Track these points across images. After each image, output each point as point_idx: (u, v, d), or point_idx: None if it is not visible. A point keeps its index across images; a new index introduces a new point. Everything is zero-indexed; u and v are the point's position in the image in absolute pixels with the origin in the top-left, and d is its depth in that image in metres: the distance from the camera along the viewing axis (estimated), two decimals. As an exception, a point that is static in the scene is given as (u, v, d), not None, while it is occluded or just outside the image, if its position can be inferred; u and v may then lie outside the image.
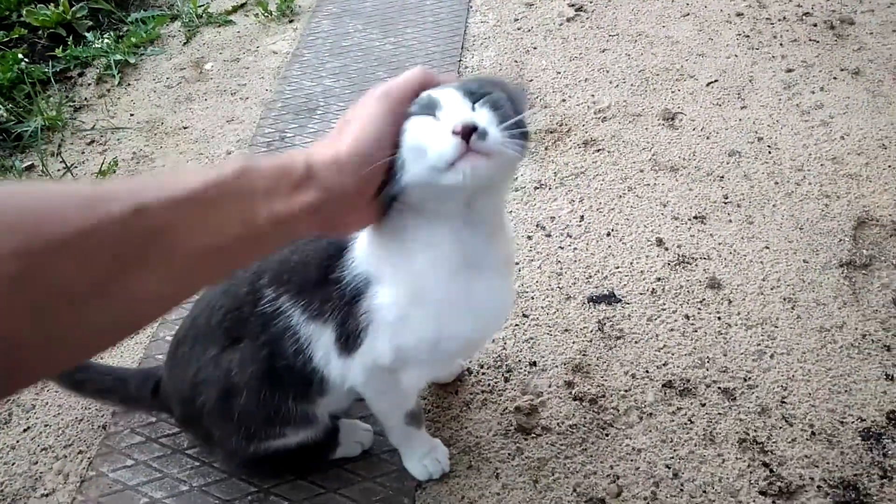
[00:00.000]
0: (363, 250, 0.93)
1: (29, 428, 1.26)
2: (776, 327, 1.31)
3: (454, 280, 0.89)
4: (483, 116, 0.76)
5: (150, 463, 1.19)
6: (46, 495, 1.16)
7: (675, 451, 1.15)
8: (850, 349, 1.26)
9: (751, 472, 1.11)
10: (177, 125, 1.98)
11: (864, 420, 1.16)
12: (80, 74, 2.25)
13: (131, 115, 2.05)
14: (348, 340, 0.95)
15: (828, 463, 1.11)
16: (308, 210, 0.70)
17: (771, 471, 1.11)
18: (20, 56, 2.18)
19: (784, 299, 1.36)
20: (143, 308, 0.60)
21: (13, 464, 1.21)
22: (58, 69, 2.25)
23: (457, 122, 0.73)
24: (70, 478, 1.18)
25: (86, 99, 2.15)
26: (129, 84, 2.19)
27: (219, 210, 0.62)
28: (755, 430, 1.16)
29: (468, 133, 0.73)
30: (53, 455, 1.22)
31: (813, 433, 1.15)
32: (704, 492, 1.09)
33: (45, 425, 1.26)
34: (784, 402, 1.19)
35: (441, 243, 0.84)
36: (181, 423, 1.17)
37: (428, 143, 0.75)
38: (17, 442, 1.24)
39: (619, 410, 1.21)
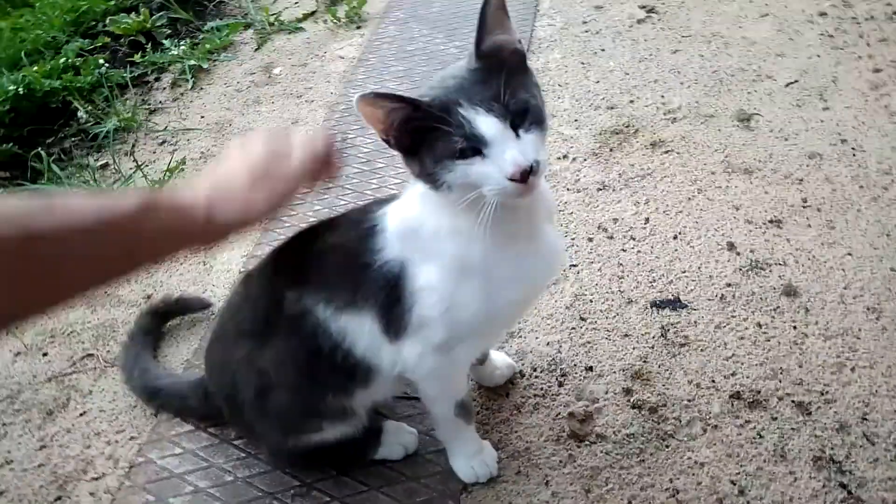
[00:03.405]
0: (397, 232, 0.90)
1: (85, 413, 1.28)
2: (858, 339, 1.20)
3: (503, 250, 0.87)
4: (530, 144, 0.76)
5: (198, 452, 1.19)
6: (96, 479, 1.17)
7: (741, 466, 1.06)
8: (943, 364, 1.15)
9: (826, 493, 1.01)
10: (244, 126, 2.02)
11: (959, 442, 1.05)
12: (157, 79, 2.33)
13: (202, 117, 2.10)
14: (395, 326, 0.92)
15: (915, 487, 1.00)
16: (195, 249, 0.81)
17: (849, 492, 1.01)
18: (101, 61, 2.28)
19: (868, 309, 1.25)
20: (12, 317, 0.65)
21: (67, 446, 1.23)
22: (136, 74, 2.33)
23: (513, 170, 0.74)
24: (120, 463, 1.19)
25: (160, 102, 2.21)
26: (201, 88, 2.25)
27: (105, 245, 0.68)
28: (832, 448, 1.06)
29: (525, 177, 0.74)
30: (105, 440, 1.23)
31: (899, 454, 1.04)
32: (773, 511, 1.00)
33: (101, 410, 1.28)
34: (865, 419, 1.09)
35: (486, 220, 0.81)
36: (229, 421, 1.16)
37: (480, 183, 0.76)
38: (73, 426, 1.26)
39: (681, 421, 1.14)
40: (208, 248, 0.84)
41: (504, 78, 0.77)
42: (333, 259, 0.94)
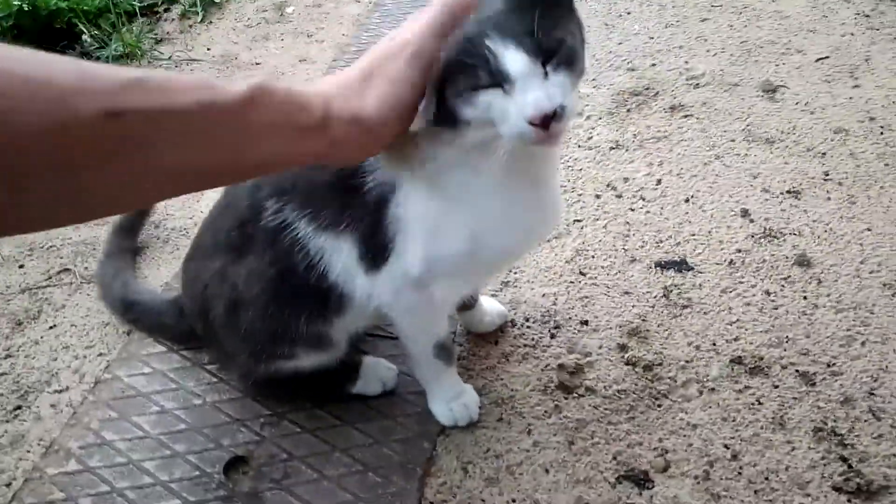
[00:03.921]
0: (391, 155, 0.84)
1: (55, 326, 1.23)
2: (871, 313, 1.14)
3: (502, 192, 0.79)
4: (557, 86, 0.67)
5: (168, 373, 1.14)
6: (59, 391, 1.12)
7: (736, 431, 1.00)
8: (959, 346, 1.08)
9: (825, 465, 0.95)
10: (250, 60, 1.95)
11: (971, 424, 0.98)
12: (167, 10, 2.27)
13: (208, 49, 2.04)
14: (375, 254, 0.86)
15: (921, 467, 0.94)
16: (306, 156, 0.67)
17: (849, 466, 0.94)
18: (111, -13, 2.21)
19: (884, 285, 1.18)
20: (90, 205, 0.57)
21: (33, 358, 1.18)
22: (145, 4, 2.26)
23: (533, 113, 0.65)
24: (86, 378, 1.14)
25: (168, 33, 2.15)
26: (210, 22, 2.18)
27: (209, 136, 0.57)
28: (834, 421, 1.00)
29: (547, 122, 0.66)
30: (73, 354, 1.18)
31: (905, 431, 0.98)
32: (767, 478, 0.94)
33: (72, 325, 1.23)
34: (872, 394, 1.03)
35: (488, 161, 0.74)
36: (202, 341, 1.11)
37: (498, 121, 0.68)
38: (41, 338, 1.21)
39: (676, 381, 1.07)
40: (328, 157, 0.69)
41: (542, 13, 0.67)
42: (323, 176, 0.87)
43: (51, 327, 1.23)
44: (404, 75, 0.68)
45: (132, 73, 0.53)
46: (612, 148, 1.53)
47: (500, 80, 0.67)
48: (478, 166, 0.76)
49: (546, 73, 0.67)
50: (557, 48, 0.68)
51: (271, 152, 0.63)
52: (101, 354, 1.17)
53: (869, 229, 1.28)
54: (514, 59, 0.66)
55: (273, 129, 0.61)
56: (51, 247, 1.39)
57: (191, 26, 2.16)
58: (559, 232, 1.33)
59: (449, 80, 0.70)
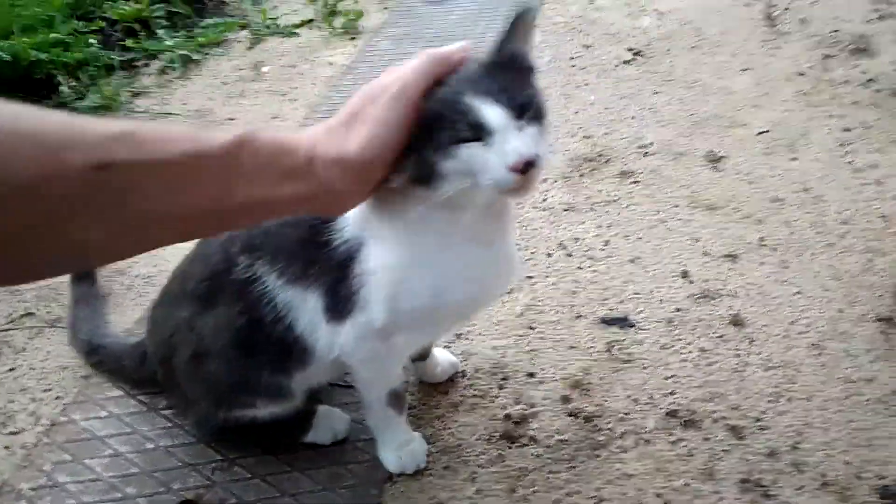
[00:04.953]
0: (361, 213, 0.89)
1: (14, 368, 1.25)
2: (798, 372, 1.21)
3: (465, 249, 0.86)
4: (531, 137, 0.75)
5: (123, 417, 1.16)
6: (14, 433, 1.14)
7: (669, 481, 1.05)
8: (877, 404, 1.15)
9: (749, 515, 1.00)
10: (224, 116, 2.03)
11: (885, 478, 1.04)
12: (146, 65, 2.34)
13: (184, 103, 2.11)
14: (339, 306, 0.91)
15: (838, 517, 1.00)
16: (294, 200, 0.68)
17: (772, 516, 1.00)
18: (91, 41, 2.29)
19: (811, 345, 1.26)
20: (81, 256, 0.61)
21: (-9, 399, 1.20)
22: (126, 58, 2.33)
23: (515, 160, 0.72)
24: (41, 420, 1.16)
25: (146, 86, 2.22)
26: (188, 77, 2.26)
27: (193, 183, 0.60)
28: (760, 473, 1.06)
29: (527, 169, 0.73)
30: (30, 397, 1.20)
31: (825, 483, 1.03)
32: (694, 527, 0.99)
33: (31, 368, 1.25)
34: (796, 448, 1.09)
35: (452, 220, 0.81)
36: (162, 385, 1.14)
37: (479, 171, 0.74)
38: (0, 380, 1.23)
39: (614, 432, 1.13)
40: (316, 202, 0.70)
41: (512, 76, 0.77)
42: (293, 232, 0.92)
43: (10, 370, 1.25)
44: (387, 116, 0.69)
45: (121, 127, 0.56)
46: (565, 210, 1.62)
47: (479, 132, 0.73)
48: (444, 226, 0.83)
49: (521, 127, 0.74)
50: (529, 104, 0.76)
51: (257, 196, 0.64)
52: (58, 397, 1.20)
53: (799, 293, 1.37)
54: (492, 112, 0.73)
55: (259, 173, 0.63)
56: (15, 290, 1.42)
57: (169, 81, 2.24)
58: (512, 288, 1.40)
59: (426, 138, 0.75)
